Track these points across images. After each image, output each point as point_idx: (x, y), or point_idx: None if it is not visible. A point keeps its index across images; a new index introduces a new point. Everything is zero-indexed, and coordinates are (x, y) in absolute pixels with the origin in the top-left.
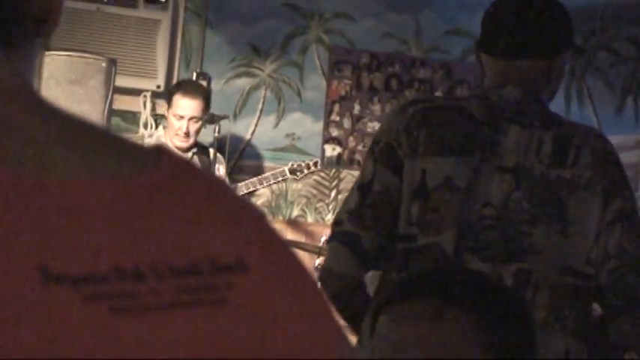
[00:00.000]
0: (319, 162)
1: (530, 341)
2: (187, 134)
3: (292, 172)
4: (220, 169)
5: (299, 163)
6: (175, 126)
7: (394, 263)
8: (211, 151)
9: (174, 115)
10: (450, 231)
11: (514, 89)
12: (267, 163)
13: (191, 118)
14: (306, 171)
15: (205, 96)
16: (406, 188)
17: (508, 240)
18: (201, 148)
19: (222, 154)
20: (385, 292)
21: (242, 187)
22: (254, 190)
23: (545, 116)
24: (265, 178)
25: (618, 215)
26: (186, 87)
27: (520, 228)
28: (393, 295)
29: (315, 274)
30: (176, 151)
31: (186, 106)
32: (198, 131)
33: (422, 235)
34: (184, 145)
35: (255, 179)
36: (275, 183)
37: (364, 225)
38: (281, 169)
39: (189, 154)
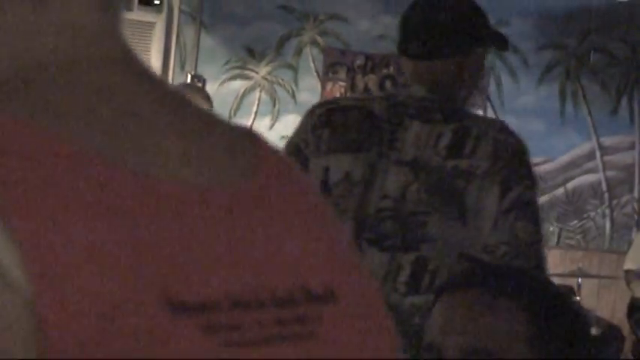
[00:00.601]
0: None
1: (578, 341)
2: None
3: None
4: None
5: None
6: None
7: None
8: None
9: None
10: (348, 223)
11: (419, 88)
12: None
13: None
14: None
15: (211, 103)
16: None
17: (406, 230)
18: None
19: None
20: (441, 283)
21: None
22: None
23: (450, 111)
24: None
25: (514, 203)
26: (193, 94)
27: (417, 218)
28: (448, 284)
29: None
30: None
31: None
32: None
33: None
34: None
35: None
36: None
37: None
38: None
39: None
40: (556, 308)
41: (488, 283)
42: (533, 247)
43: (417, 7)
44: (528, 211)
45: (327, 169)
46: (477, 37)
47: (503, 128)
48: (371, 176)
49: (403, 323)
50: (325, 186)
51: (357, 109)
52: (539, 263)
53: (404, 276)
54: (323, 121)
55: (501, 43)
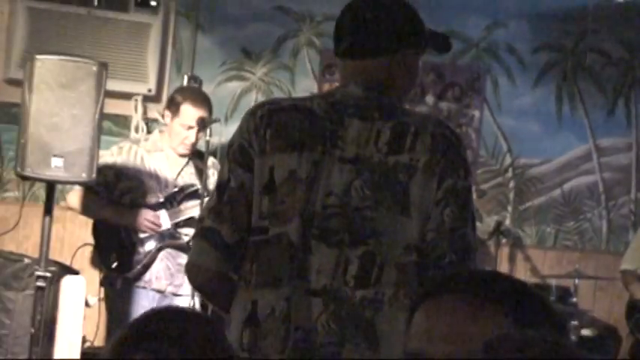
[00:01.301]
0: None
1: (559, 346)
2: (194, 144)
3: None
4: (216, 174)
5: None
6: (182, 135)
7: (247, 254)
8: (210, 159)
9: (183, 125)
10: (294, 221)
11: (356, 87)
12: None
13: (199, 128)
14: None
15: (211, 105)
16: (257, 184)
17: (352, 225)
18: (197, 154)
19: (214, 157)
20: (424, 287)
21: None
22: None
23: (387, 109)
24: None
25: (447, 193)
26: (195, 97)
27: (362, 213)
28: (432, 289)
29: None
30: (169, 150)
31: (196, 116)
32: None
33: (272, 226)
34: (188, 152)
35: None
36: None
37: (222, 219)
38: None
39: (185, 160)
40: (538, 312)
41: (471, 289)
42: (458, 232)
43: (348, 9)
44: (458, 198)
45: (272, 169)
46: (403, 37)
47: (439, 122)
48: (315, 174)
49: (355, 316)
50: (271, 185)
51: (298, 108)
52: (464, 248)
53: (353, 270)
54: (265, 121)
55: (440, 45)
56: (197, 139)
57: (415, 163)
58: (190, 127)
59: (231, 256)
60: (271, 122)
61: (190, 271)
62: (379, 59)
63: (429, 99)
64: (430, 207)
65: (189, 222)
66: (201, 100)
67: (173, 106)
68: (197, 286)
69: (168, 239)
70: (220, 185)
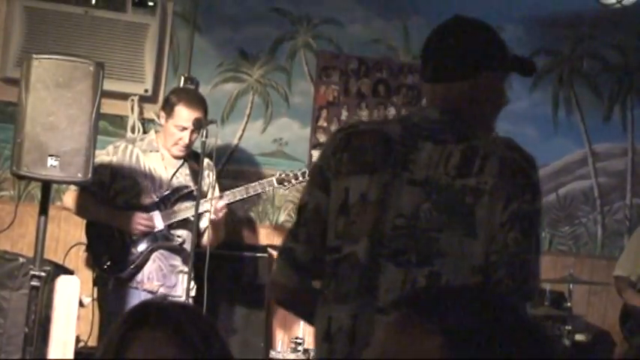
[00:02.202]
0: (307, 172)
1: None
2: (189, 146)
3: (280, 182)
4: (211, 176)
5: (287, 173)
6: (176, 136)
7: (326, 272)
8: (206, 160)
9: (177, 126)
10: (363, 241)
11: (433, 110)
12: (254, 168)
13: (194, 130)
14: (294, 181)
15: (206, 107)
16: (333, 205)
17: (419, 246)
18: (192, 155)
19: (210, 159)
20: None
21: (229, 196)
22: (241, 199)
23: (461, 132)
24: (253, 187)
25: (511, 216)
26: (190, 98)
27: (429, 235)
28: (392, 304)
29: None
30: (164, 151)
31: (190, 118)
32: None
33: (345, 245)
34: (182, 154)
35: (242, 188)
36: (262, 192)
37: (297, 239)
38: (269, 180)
39: (180, 161)
40: (483, 335)
41: (418, 306)
42: (519, 259)
43: (434, 33)
44: (523, 223)
45: (347, 190)
46: (485, 60)
47: (510, 145)
48: (385, 196)
49: None
50: (346, 206)
51: (374, 132)
52: (523, 276)
53: None
54: (343, 144)
55: (525, 68)
56: (191, 141)
57: (483, 186)
58: (184, 129)
59: (306, 274)
60: (348, 146)
61: (271, 288)
62: (462, 82)
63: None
64: (495, 230)
65: (182, 224)
66: (196, 101)
67: (168, 107)
68: (277, 301)
69: (161, 240)
70: (300, 207)
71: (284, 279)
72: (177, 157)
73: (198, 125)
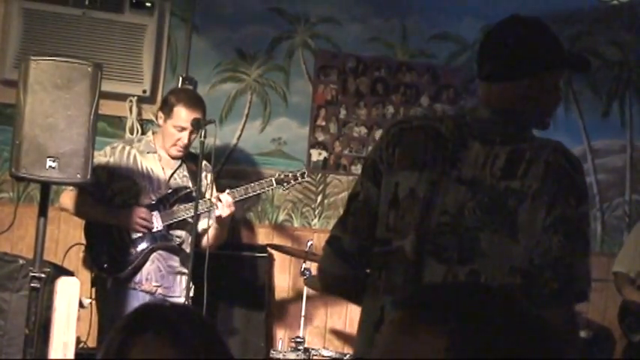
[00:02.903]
0: (306, 172)
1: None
2: (187, 146)
3: (279, 182)
4: (208, 177)
5: (286, 173)
6: (175, 137)
7: (376, 263)
8: (203, 162)
9: (175, 127)
10: (410, 236)
11: (484, 109)
12: (253, 168)
13: (192, 131)
14: (293, 182)
15: (205, 107)
16: (384, 198)
17: (462, 244)
18: (190, 156)
19: (208, 159)
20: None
21: (228, 196)
22: (240, 200)
23: (510, 134)
24: (252, 187)
25: (556, 220)
26: (189, 99)
27: (472, 234)
28: (396, 303)
29: (301, 278)
30: (161, 152)
31: (189, 118)
32: (193, 142)
33: (395, 239)
34: (181, 155)
35: (241, 188)
36: (261, 192)
37: (345, 229)
38: (268, 180)
39: (178, 162)
40: (483, 341)
41: (424, 306)
42: (563, 262)
43: (490, 33)
44: (567, 227)
45: (397, 185)
46: (541, 59)
47: (556, 149)
48: (433, 193)
49: None
50: (395, 200)
51: (426, 129)
52: (568, 279)
53: None
54: (396, 139)
55: (580, 65)
56: (190, 142)
57: (526, 189)
58: (183, 129)
59: (353, 263)
60: (401, 140)
61: (318, 274)
62: (520, 82)
63: (424, 100)
64: (538, 233)
65: (181, 224)
66: (195, 102)
67: (166, 107)
68: (324, 287)
69: (160, 241)
70: (351, 197)
71: (330, 267)
72: (175, 158)
73: (197, 125)
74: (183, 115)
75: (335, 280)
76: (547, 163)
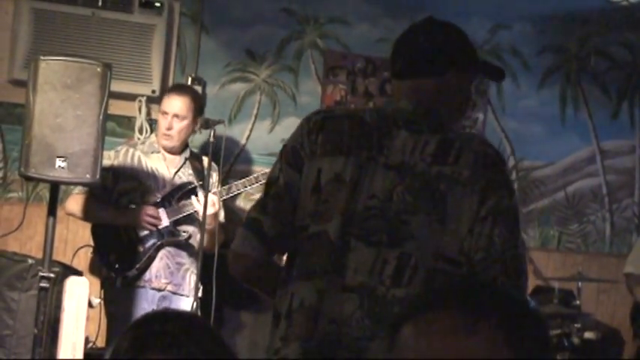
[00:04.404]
0: None
1: (544, 346)
2: (169, 129)
3: None
4: (214, 176)
5: None
6: (161, 125)
7: (292, 251)
8: (205, 158)
9: (160, 113)
10: (335, 220)
11: (407, 102)
12: (261, 168)
13: (175, 116)
14: None
15: (193, 96)
16: (304, 184)
17: (391, 227)
18: (193, 155)
19: (217, 159)
20: (409, 303)
21: (233, 188)
22: (245, 189)
23: (435, 124)
24: (256, 178)
25: (491, 211)
26: (175, 86)
27: (402, 217)
28: (419, 305)
29: None
30: (165, 154)
31: (170, 102)
32: (183, 132)
33: (313, 224)
34: (168, 144)
35: (245, 179)
36: (249, 187)
37: (265, 212)
38: (262, 173)
39: (182, 160)
40: (531, 329)
41: (465, 304)
42: (509, 253)
43: (405, 32)
44: (506, 218)
45: (319, 171)
46: (452, 59)
47: (483, 141)
48: (359, 177)
49: (385, 313)
50: (318, 186)
51: (350, 117)
52: (516, 268)
53: (389, 270)
54: (318, 127)
55: (492, 74)
56: (175, 127)
57: (457, 176)
58: (165, 114)
59: (271, 247)
60: (323, 128)
61: (232, 258)
62: (430, 79)
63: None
64: (470, 222)
65: (188, 219)
66: (179, 88)
67: (161, 100)
68: (237, 272)
69: (167, 236)
70: (269, 181)
71: (248, 250)
72: (166, 149)
73: (206, 125)
74: (166, 100)
75: (254, 265)
76: (476, 152)
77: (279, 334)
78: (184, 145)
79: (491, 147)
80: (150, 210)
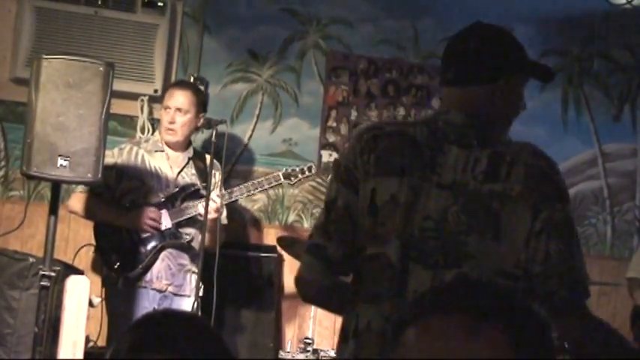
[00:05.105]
0: (313, 167)
1: (549, 351)
2: (172, 123)
3: (286, 177)
4: (216, 175)
5: (293, 168)
6: (164, 120)
7: (354, 271)
8: (207, 156)
9: (163, 109)
10: (394, 242)
11: (457, 114)
12: (263, 168)
13: (178, 109)
14: (300, 176)
15: (195, 91)
16: (361, 205)
17: (447, 248)
18: (197, 154)
19: (219, 159)
20: (413, 305)
21: (236, 192)
22: (248, 195)
23: (486, 137)
24: (259, 183)
25: (545, 225)
26: (177, 82)
27: (457, 237)
28: (422, 307)
29: None
30: (169, 150)
31: (172, 97)
32: (186, 127)
33: (370, 246)
34: (172, 138)
35: (249, 183)
36: (269, 188)
37: (329, 237)
38: (275, 174)
39: (185, 160)
40: (536, 332)
41: (469, 307)
42: (565, 265)
43: (454, 38)
44: (560, 231)
45: (373, 191)
46: (505, 65)
47: (534, 152)
48: (414, 198)
49: None
50: (373, 207)
51: (400, 134)
52: (574, 280)
53: None
54: (370, 146)
55: (542, 74)
56: (177, 121)
57: (509, 192)
58: (168, 108)
59: (336, 271)
60: (376, 147)
61: (299, 284)
62: (482, 87)
63: (435, 102)
64: (525, 237)
65: (190, 222)
66: (181, 83)
67: (163, 96)
68: (307, 297)
69: (169, 239)
70: (328, 203)
71: (315, 275)
72: (169, 144)
73: (208, 124)
74: (168, 95)
75: (322, 291)
76: (527, 166)
77: (347, 351)
78: (187, 143)
79: (542, 157)
80: (151, 213)
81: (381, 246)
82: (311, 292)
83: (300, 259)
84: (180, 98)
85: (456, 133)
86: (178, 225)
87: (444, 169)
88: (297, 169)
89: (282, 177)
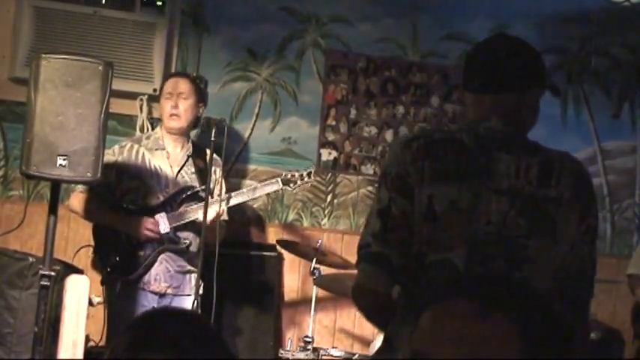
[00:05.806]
0: (313, 172)
1: (562, 350)
2: (176, 107)
3: (285, 183)
4: (217, 172)
5: (292, 173)
6: (166, 107)
7: (410, 278)
8: (208, 152)
9: (164, 97)
10: (460, 248)
11: (497, 121)
12: (263, 167)
13: (180, 94)
14: (299, 182)
15: (193, 78)
16: (417, 212)
17: (508, 253)
18: (196, 150)
19: (218, 157)
20: (430, 292)
21: (235, 199)
22: (246, 201)
23: (529, 145)
24: (258, 189)
25: (587, 230)
26: (175, 72)
27: (518, 241)
28: (438, 293)
29: (311, 278)
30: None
31: (173, 83)
32: (189, 112)
33: (431, 252)
34: (176, 124)
35: (246, 190)
36: (267, 194)
37: (389, 245)
38: (274, 180)
39: (184, 158)
40: (545, 320)
41: (481, 294)
42: (589, 272)
43: (481, 47)
44: (594, 237)
45: (430, 197)
46: (532, 76)
47: (573, 159)
48: (475, 204)
49: None
50: (431, 213)
51: (451, 141)
52: (589, 280)
53: None
54: (422, 153)
55: (554, 89)
56: (181, 107)
57: (560, 197)
58: (170, 94)
59: (396, 280)
60: (429, 154)
61: (360, 294)
62: (513, 94)
63: (434, 101)
64: (574, 240)
65: (188, 225)
66: (183, 74)
67: (162, 88)
68: (366, 308)
69: (167, 243)
70: (381, 211)
71: (379, 285)
72: (172, 130)
73: (207, 124)
74: (167, 84)
75: (383, 300)
76: (572, 173)
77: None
78: (187, 137)
79: (581, 164)
80: (149, 224)
81: (444, 252)
82: (371, 302)
83: (300, 259)
84: (181, 84)
85: (500, 140)
86: (176, 229)
87: (497, 175)
88: (297, 174)
89: (281, 183)
